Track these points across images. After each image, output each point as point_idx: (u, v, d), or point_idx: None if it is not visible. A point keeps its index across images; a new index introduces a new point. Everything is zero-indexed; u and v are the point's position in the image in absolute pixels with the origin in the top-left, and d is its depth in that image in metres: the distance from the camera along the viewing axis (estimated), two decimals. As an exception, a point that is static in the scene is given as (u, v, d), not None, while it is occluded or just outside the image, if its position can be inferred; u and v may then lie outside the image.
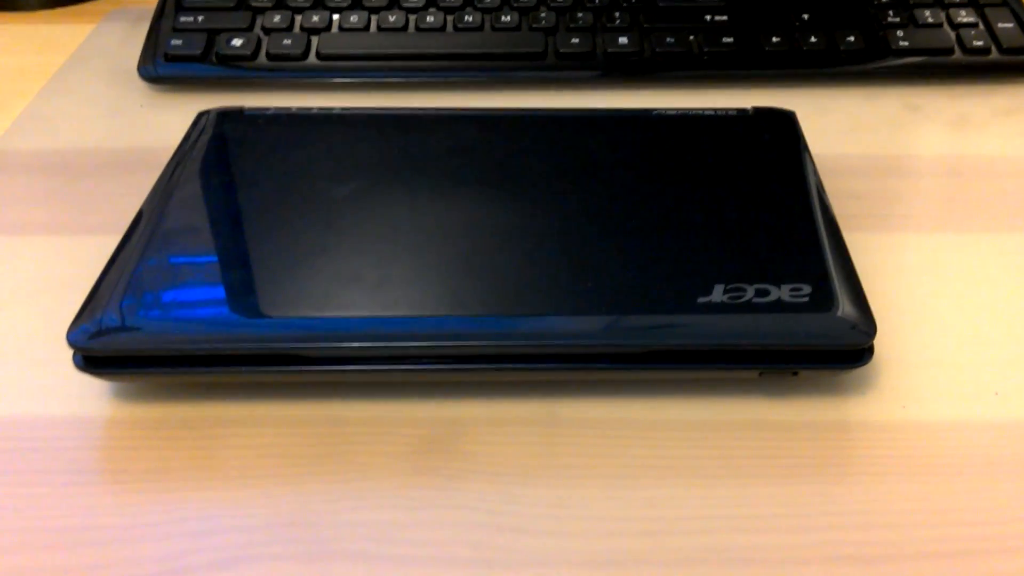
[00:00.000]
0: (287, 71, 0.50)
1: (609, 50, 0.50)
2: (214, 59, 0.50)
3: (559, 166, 0.38)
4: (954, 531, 0.29)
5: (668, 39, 0.50)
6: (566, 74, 0.50)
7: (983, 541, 0.28)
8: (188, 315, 0.32)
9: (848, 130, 0.47)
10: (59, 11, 0.59)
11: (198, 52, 0.50)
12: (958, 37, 0.50)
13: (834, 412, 0.32)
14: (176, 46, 0.50)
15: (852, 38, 0.50)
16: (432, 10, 0.52)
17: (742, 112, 0.41)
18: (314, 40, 0.51)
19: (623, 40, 0.50)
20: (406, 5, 0.52)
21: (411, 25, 0.51)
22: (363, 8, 0.52)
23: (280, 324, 0.31)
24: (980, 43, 0.50)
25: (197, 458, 0.31)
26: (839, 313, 0.31)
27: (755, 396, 0.33)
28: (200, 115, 0.42)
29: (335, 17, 0.52)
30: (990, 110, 0.48)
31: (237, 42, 0.50)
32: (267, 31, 0.51)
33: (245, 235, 0.35)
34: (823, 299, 0.32)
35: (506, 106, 0.48)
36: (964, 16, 0.51)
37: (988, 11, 0.52)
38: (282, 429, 0.32)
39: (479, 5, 0.52)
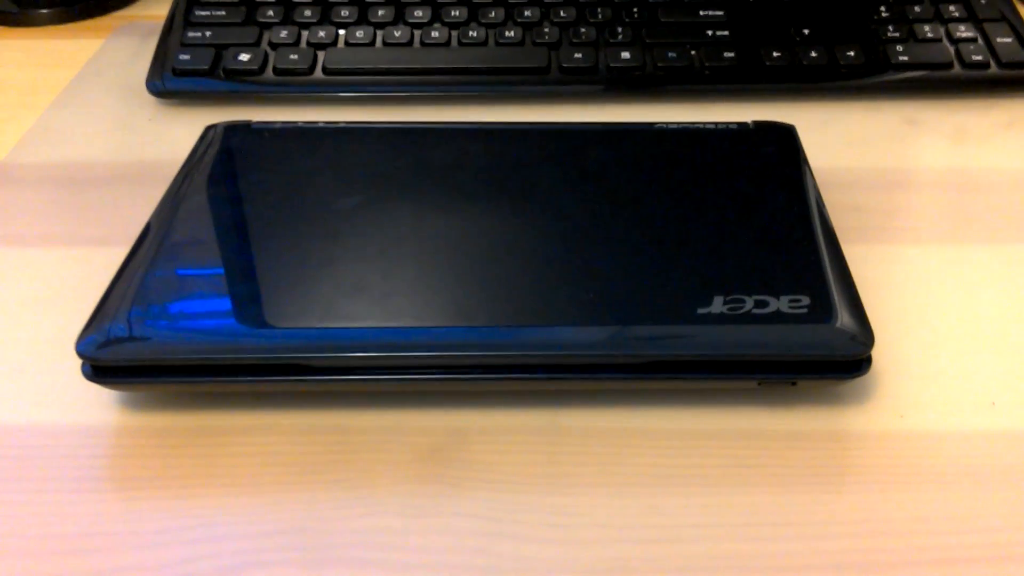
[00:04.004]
0: (294, 85, 0.51)
1: (612, 65, 0.50)
2: (222, 74, 0.51)
3: (562, 179, 0.38)
4: (952, 540, 0.29)
5: (670, 54, 0.51)
6: (569, 88, 0.51)
7: (981, 550, 0.29)
8: (195, 325, 0.32)
9: (848, 144, 0.47)
10: (69, 26, 0.60)
11: (206, 67, 0.50)
12: (957, 52, 0.51)
13: (832, 422, 0.33)
14: (184, 61, 0.51)
15: (852, 53, 0.50)
16: (437, 25, 0.53)
17: (742, 126, 0.42)
18: (320, 55, 0.51)
19: (625, 55, 0.51)
20: (411, 20, 0.53)
21: (416, 40, 0.52)
22: (369, 23, 0.53)
23: (286, 335, 0.32)
24: (979, 57, 0.50)
25: (203, 466, 0.32)
26: (837, 324, 0.32)
27: (754, 406, 0.33)
28: (208, 129, 0.42)
29: (341, 32, 0.52)
30: (989, 124, 0.49)
31: (244, 57, 0.51)
32: (274, 46, 0.52)
33: (252, 247, 0.35)
34: (822, 310, 0.32)
35: (510, 120, 0.49)
36: (963, 31, 0.52)
37: (987, 26, 0.52)
38: (288, 438, 0.32)
39: (483, 20, 0.53)
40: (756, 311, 0.32)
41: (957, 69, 0.50)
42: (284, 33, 0.52)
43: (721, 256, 0.34)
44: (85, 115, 0.50)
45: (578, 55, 0.51)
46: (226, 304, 0.33)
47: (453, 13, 0.53)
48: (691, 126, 0.42)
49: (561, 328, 0.32)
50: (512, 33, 0.52)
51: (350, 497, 0.30)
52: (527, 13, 0.53)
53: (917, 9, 0.53)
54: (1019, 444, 0.32)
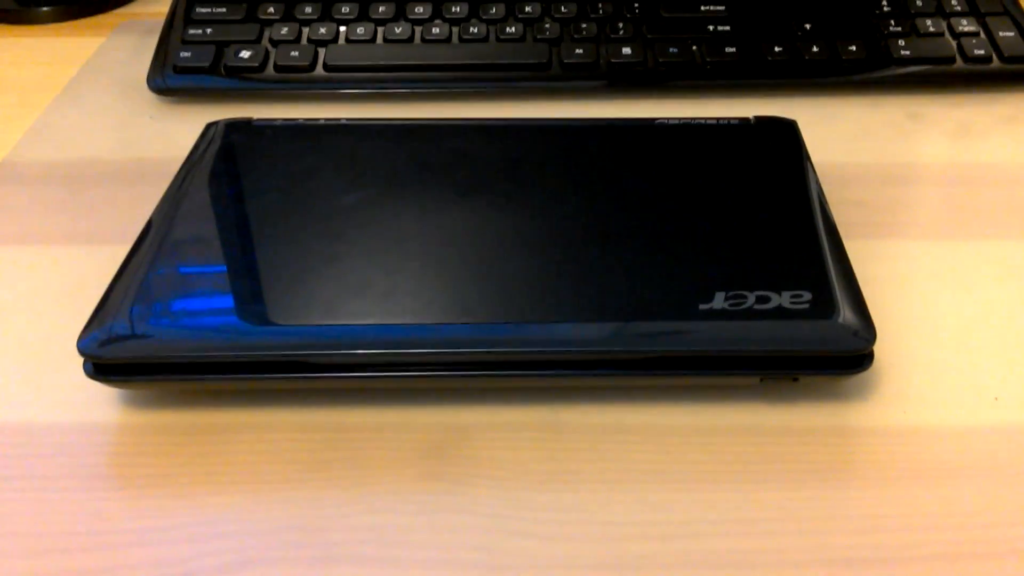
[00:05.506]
0: (295, 83, 0.50)
1: (613, 60, 0.50)
2: (223, 71, 0.51)
3: (563, 175, 0.38)
4: (954, 535, 0.29)
5: (671, 49, 0.51)
6: (570, 84, 0.50)
7: (984, 545, 0.29)
8: (197, 323, 0.32)
9: (850, 139, 0.47)
10: (70, 24, 0.60)
11: (207, 64, 0.50)
12: (959, 46, 0.51)
13: (835, 417, 0.33)
14: (185, 58, 0.51)
15: (854, 47, 0.50)
16: (438, 21, 0.52)
17: (744, 121, 0.42)
18: (321, 52, 0.51)
19: (626, 50, 0.51)
20: (412, 17, 0.53)
21: (417, 36, 0.52)
22: (370, 20, 0.53)
23: (287, 332, 0.32)
24: (981, 52, 0.50)
25: (205, 464, 0.32)
26: (839, 319, 0.32)
27: (756, 402, 0.33)
28: (209, 126, 0.42)
29: (342, 29, 0.52)
30: (991, 118, 0.48)
31: (245, 54, 0.51)
32: (275, 43, 0.52)
33: (253, 244, 0.35)
34: (824, 306, 0.32)
35: (511, 116, 0.48)
36: (965, 25, 0.52)
37: (989, 20, 0.52)
38: (289, 435, 0.32)
39: (484, 16, 0.53)
40: (758, 307, 0.32)
41: (959, 63, 0.50)
42: (285, 30, 0.52)
43: (722, 252, 0.34)
44: (86, 113, 0.50)
45: (579, 51, 0.51)
46: (228, 301, 0.33)
47: (454, 9, 0.53)
48: (692, 122, 0.42)
49: (562, 324, 0.32)
50: (513, 29, 0.52)
51: (352, 494, 0.30)
52: (528, 9, 0.53)
53: (919, 3, 0.53)
54: (1022, 439, 0.32)
